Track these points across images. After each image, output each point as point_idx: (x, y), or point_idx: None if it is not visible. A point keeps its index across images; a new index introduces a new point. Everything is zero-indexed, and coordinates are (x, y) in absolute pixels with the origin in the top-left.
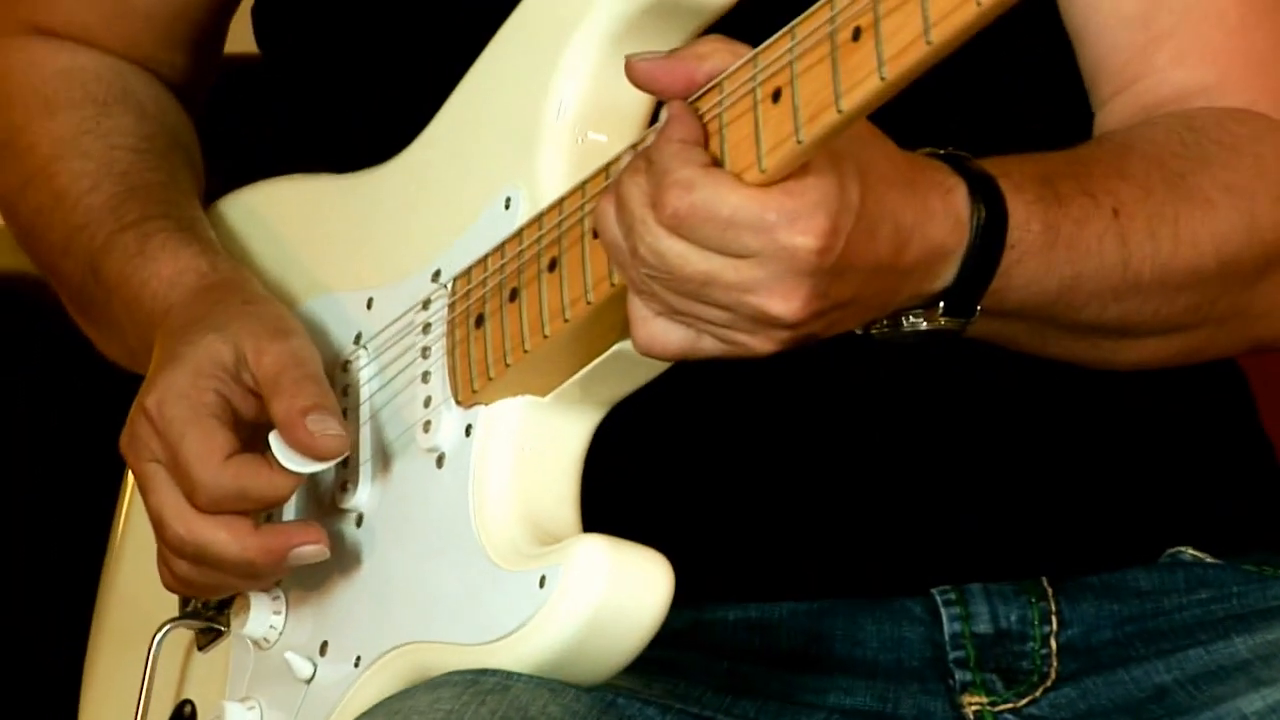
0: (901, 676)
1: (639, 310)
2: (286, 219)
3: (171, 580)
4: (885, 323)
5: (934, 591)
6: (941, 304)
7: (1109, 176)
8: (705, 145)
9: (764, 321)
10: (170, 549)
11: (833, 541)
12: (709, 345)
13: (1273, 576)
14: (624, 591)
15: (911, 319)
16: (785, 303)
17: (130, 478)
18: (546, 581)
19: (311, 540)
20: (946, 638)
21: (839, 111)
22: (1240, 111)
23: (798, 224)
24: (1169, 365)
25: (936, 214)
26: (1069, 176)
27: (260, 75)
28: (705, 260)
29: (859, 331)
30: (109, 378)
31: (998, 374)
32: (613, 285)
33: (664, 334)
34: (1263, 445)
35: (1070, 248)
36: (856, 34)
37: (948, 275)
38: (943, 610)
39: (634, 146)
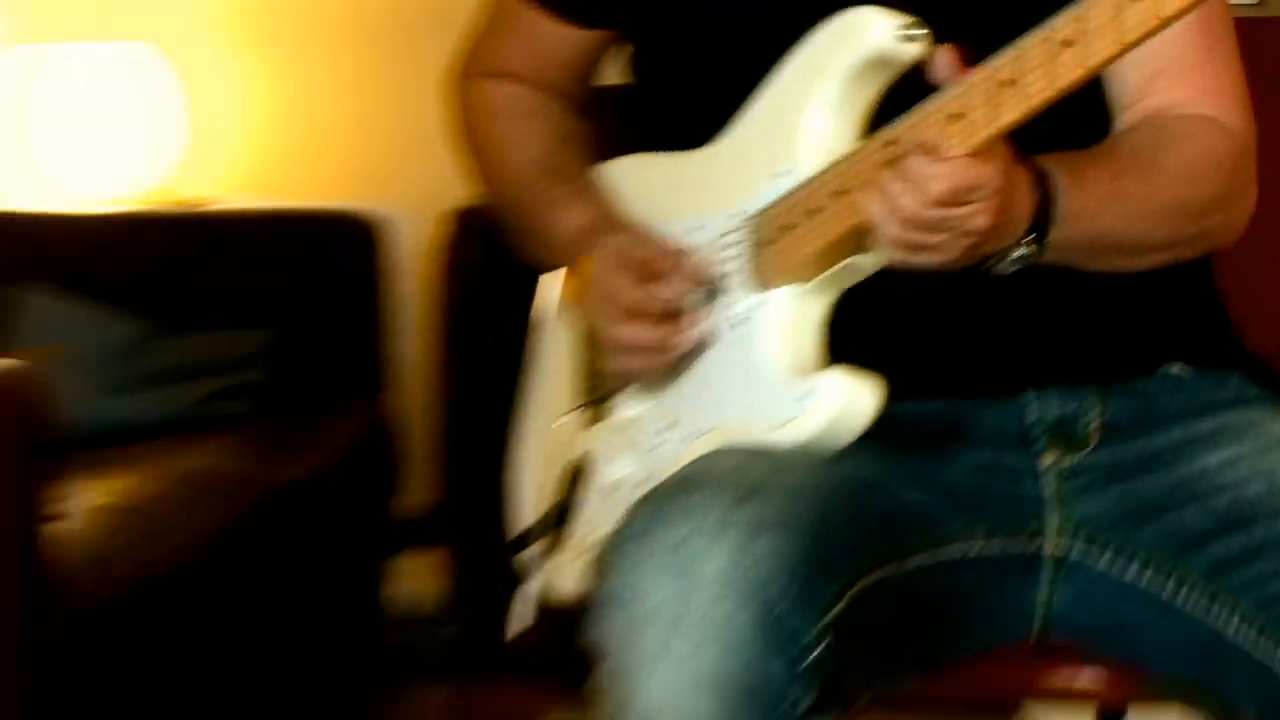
0: (1004, 444)
1: (889, 246)
2: (642, 178)
3: (611, 376)
4: (994, 259)
5: (1028, 393)
6: (1031, 236)
7: (1110, 159)
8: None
9: (969, 233)
10: (618, 353)
11: (966, 365)
12: (923, 258)
13: (1224, 382)
14: (853, 399)
15: (1010, 255)
16: (985, 219)
17: (536, 342)
18: (811, 394)
19: (685, 322)
20: (1032, 422)
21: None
22: (1200, 116)
23: (995, 182)
24: (1163, 267)
25: (1024, 189)
26: (1086, 162)
27: (621, 96)
28: (944, 210)
29: (985, 265)
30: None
31: (1068, 271)
32: (849, 225)
33: (905, 257)
34: (1215, 296)
35: (1094, 194)
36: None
37: (1023, 228)
38: (1031, 405)
39: (882, 134)
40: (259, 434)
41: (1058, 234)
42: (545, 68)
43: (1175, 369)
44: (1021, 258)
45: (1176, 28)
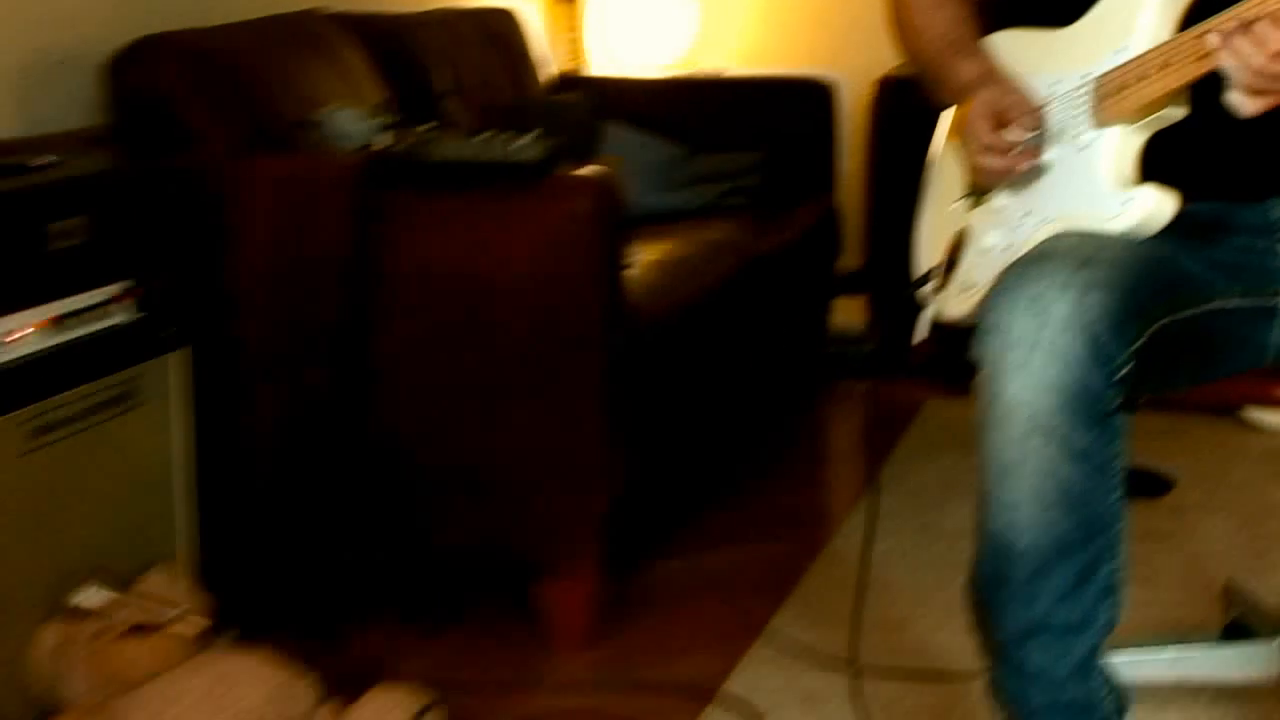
0: (1255, 233)
1: (1242, 101)
2: (1017, 45)
3: (976, 172)
4: None
5: (1270, 199)
6: None
7: None
8: None
9: None
10: (975, 169)
11: (1230, 178)
12: (1263, 101)
13: None
14: (1160, 205)
15: None
16: None
17: (933, 148)
18: (1130, 200)
19: (1028, 158)
20: (1274, 219)
21: None
22: None
23: None
24: None
25: None
26: None
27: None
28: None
29: None
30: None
31: None
32: (1169, 89)
33: (1253, 101)
34: None
35: None
36: None
37: None
38: (1273, 207)
39: (1195, 28)
40: (752, 219)
41: None
42: None
43: None
44: None
45: None
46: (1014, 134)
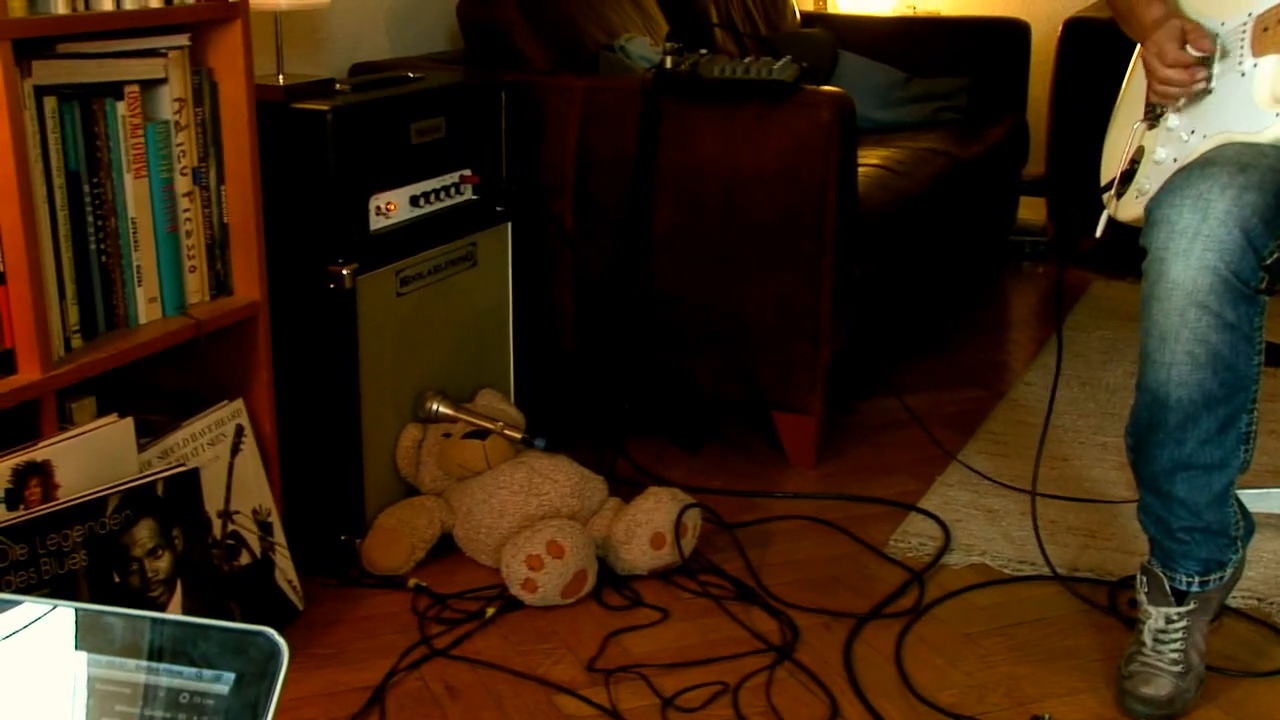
0: None
1: None
2: None
3: (1155, 93)
4: None
5: None
6: None
7: None
8: None
9: None
10: (1161, 83)
11: None
12: None
13: None
14: None
15: None
16: None
17: (1125, 84)
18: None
19: (1200, 72)
20: None
21: None
22: None
23: None
24: None
25: None
26: None
27: None
28: None
29: None
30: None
31: None
32: None
33: None
34: None
35: None
36: None
37: None
38: None
39: None
40: (959, 131)
41: None
42: None
43: None
44: None
45: None
46: (1196, 50)
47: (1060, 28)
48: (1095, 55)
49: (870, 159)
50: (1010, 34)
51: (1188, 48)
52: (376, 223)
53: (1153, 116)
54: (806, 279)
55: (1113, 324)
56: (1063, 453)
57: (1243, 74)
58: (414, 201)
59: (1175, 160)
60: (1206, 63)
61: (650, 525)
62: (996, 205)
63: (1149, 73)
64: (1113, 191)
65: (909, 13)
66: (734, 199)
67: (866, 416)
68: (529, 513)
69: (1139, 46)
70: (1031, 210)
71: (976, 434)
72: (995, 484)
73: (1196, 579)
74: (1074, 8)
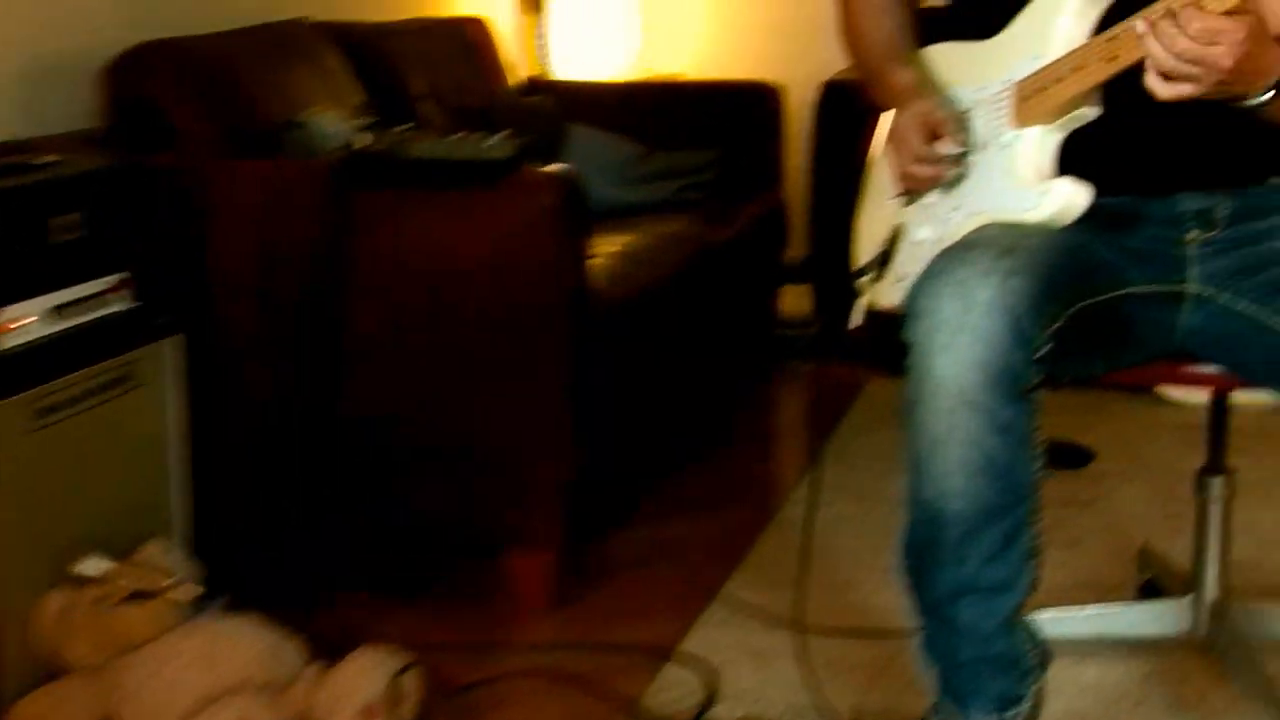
0: (1164, 225)
1: (1158, 83)
2: (945, 58)
3: (903, 180)
4: (1240, 104)
5: (1179, 194)
6: (1269, 93)
7: None
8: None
9: (1219, 69)
10: (904, 180)
11: (1141, 174)
12: (1186, 87)
13: None
14: (1075, 196)
15: (1248, 102)
16: (1229, 61)
17: (873, 147)
18: (1048, 192)
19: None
20: (1181, 211)
21: None
22: None
23: (1238, 34)
24: None
25: (1274, 53)
26: None
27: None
28: (1200, 48)
29: (1231, 104)
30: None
31: (1211, 112)
32: (1081, 89)
33: (1173, 87)
34: None
35: None
36: None
37: (1268, 82)
38: (1181, 201)
39: (1104, 34)
40: (704, 213)
41: None
42: None
43: (1276, 180)
44: (1260, 103)
45: None
46: (944, 146)
47: (818, 91)
48: (859, 122)
49: (606, 247)
50: (762, 100)
51: (939, 142)
52: (4, 342)
53: (909, 192)
54: (536, 389)
55: (892, 428)
56: (840, 579)
57: (1004, 146)
58: (53, 314)
59: (938, 241)
60: (960, 154)
61: (359, 694)
62: (756, 295)
63: (895, 159)
64: (869, 276)
65: (647, 77)
66: (446, 299)
67: (615, 548)
68: (208, 688)
69: (888, 113)
70: (796, 299)
71: (743, 562)
72: (765, 621)
73: (995, 717)
74: (833, 68)
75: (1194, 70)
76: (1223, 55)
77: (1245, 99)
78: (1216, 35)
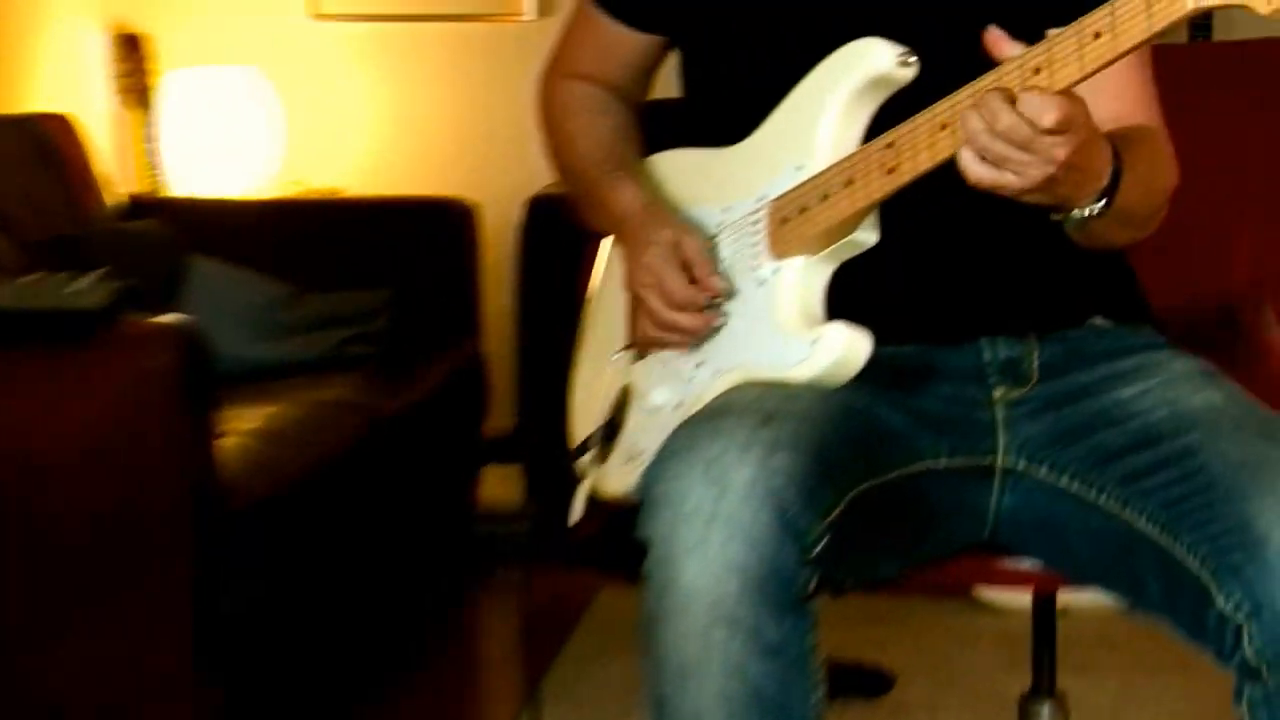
0: (965, 380)
1: (973, 163)
2: (681, 168)
3: (644, 341)
4: (1063, 215)
5: (981, 340)
6: (1102, 201)
7: (1136, 145)
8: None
9: (1050, 161)
10: (659, 329)
11: (935, 316)
12: (1007, 178)
13: (1137, 332)
14: (851, 348)
15: (1075, 213)
16: (1064, 151)
17: (590, 288)
18: (817, 341)
19: (717, 318)
20: (986, 362)
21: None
22: (1146, 126)
23: (1082, 118)
24: (1122, 246)
25: (1105, 150)
26: (1125, 144)
27: (671, 107)
28: (1030, 132)
29: (1052, 216)
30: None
31: (1017, 238)
32: (855, 210)
33: (993, 176)
34: (1131, 269)
35: (1135, 171)
36: (1097, 35)
37: (1104, 184)
38: (985, 349)
39: (880, 139)
40: (378, 372)
41: (1119, 195)
42: (612, 68)
43: (1099, 321)
44: (1090, 215)
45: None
46: (709, 286)
47: (523, 210)
48: (577, 248)
49: (242, 422)
50: (450, 222)
51: (702, 282)
52: None
53: (639, 346)
54: (150, 620)
55: (632, 652)
56: None
57: (760, 283)
58: None
59: (679, 406)
60: (728, 293)
61: None
62: (449, 481)
63: (642, 307)
64: (592, 455)
65: (296, 194)
66: (26, 500)
67: None
68: None
69: (609, 240)
70: (503, 485)
71: None
72: None
73: None
74: (541, 179)
75: (1020, 157)
76: (1059, 143)
77: (1070, 209)
78: (1066, 120)
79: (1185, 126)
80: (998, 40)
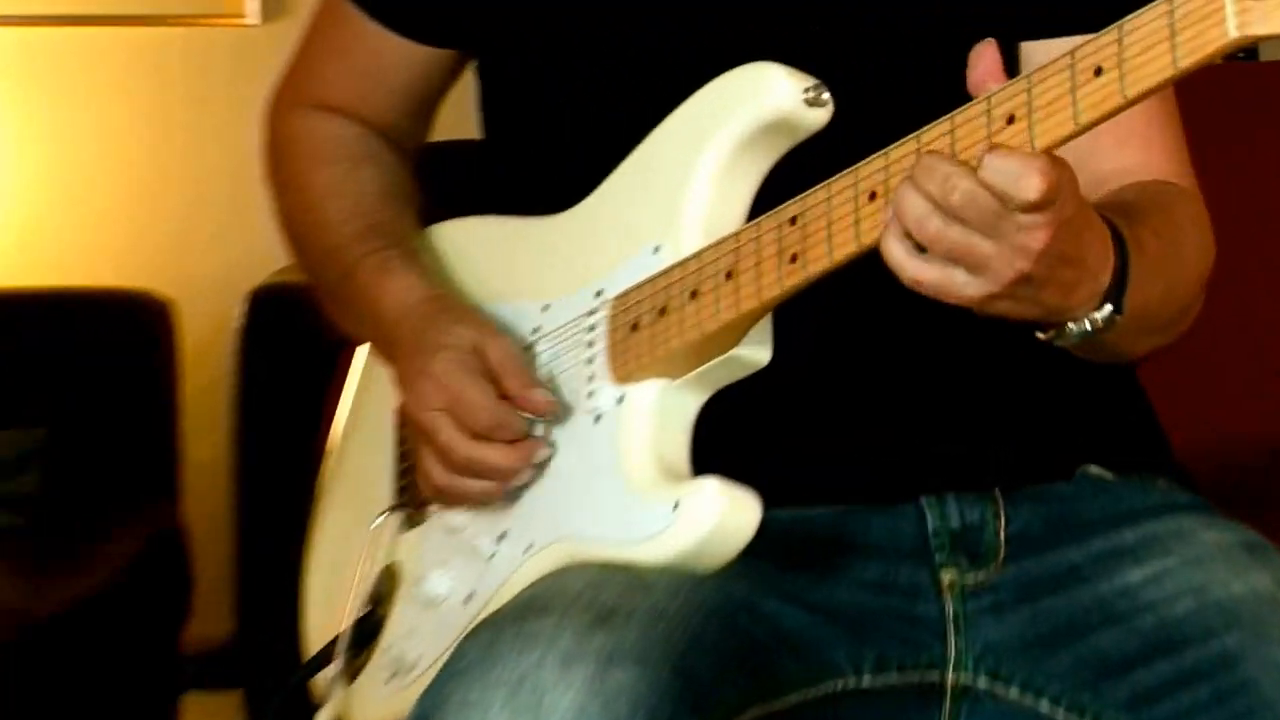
0: (899, 558)
1: (908, 257)
2: (482, 244)
3: (436, 491)
4: (1052, 332)
5: (922, 499)
6: (1107, 308)
7: (1148, 216)
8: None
9: (1024, 252)
10: (454, 469)
11: (852, 467)
12: (960, 282)
13: (1150, 488)
14: (730, 517)
15: (1073, 325)
16: (1043, 237)
17: (337, 422)
18: (679, 506)
19: (542, 447)
20: (930, 531)
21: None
22: (1167, 183)
23: (1069, 188)
24: (1142, 356)
25: (1102, 237)
26: (1131, 217)
27: (464, 152)
28: (1001, 209)
29: (1039, 335)
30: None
31: (972, 356)
32: (737, 313)
33: (929, 273)
34: (1142, 396)
35: (1148, 257)
36: (1098, 71)
37: (1104, 283)
38: (927, 513)
39: (784, 209)
40: (30, 553)
41: (1130, 298)
42: (378, 96)
43: (1094, 471)
44: (1094, 329)
45: None
46: (534, 400)
47: (243, 308)
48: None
49: None
50: (133, 326)
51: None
52: None
53: (413, 504)
54: None
55: None
56: None
57: (596, 417)
58: None
59: (470, 598)
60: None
61: None
62: (132, 715)
63: (425, 443)
64: (337, 668)
65: None
66: None
67: None
68: None
69: (367, 351)
70: (214, 713)
71: None
72: None
73: None
74: (265, 265)
75: (980, 248)
76: (1038, 225)
77: (1061, 323)
78: (1040, 191)
79: (1224, 172)
80: (989, 66)
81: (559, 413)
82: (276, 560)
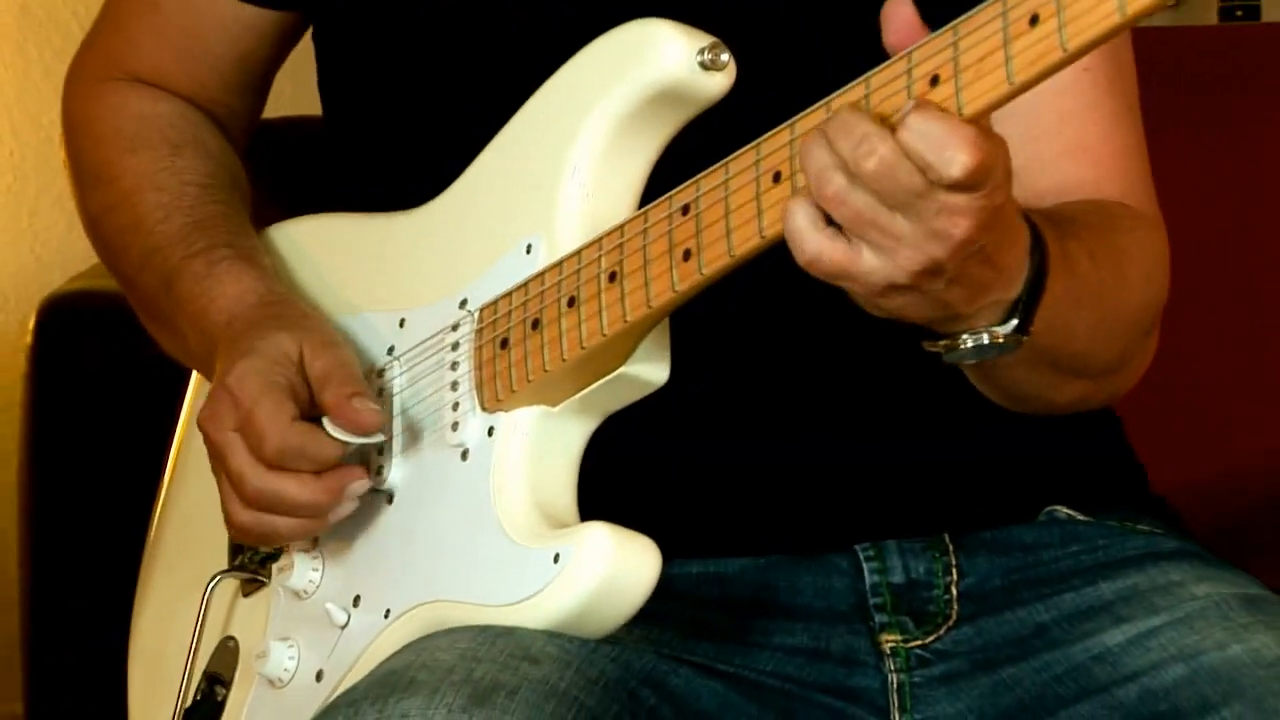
0: (832, 619)
1: (809, 227)
2: (329, 247)
3: (239, 530)
4: (945, 342)
5: (857, 548)
6: (1010, 322)
7: (1086, 234)
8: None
9: (943, 238)
10: (247, 502)
11: (774, 510)
12: (867, 261)
13: (1132, 531)
14: (623, 569)
15: (968, 337)
16: (971, 223)
17: (173, 457)
18: (560, 558)
19: (359, 477)
20: (868, 587)
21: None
22: (1119, 204)
23: (1005, 165)
24: (1068, 410)
25: (1022, 237)
26: (1065, 230)
27: (315, 132)
28: (925, 183)
29: (926, 345)
30: (162, 378)
31: (909, 386)
32: (625, 322)
33: (830, 247)
34: (1116, 424)
35: (1077, 279)
36: (1034, 20)
37: (1014, 293)
38: (864, 564)
39: (674, 195)
40: None
41: (1042, 312)
42: (201, 65)
43: (1062, 512)
44: (993, 344)
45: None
46: (341, 433)
47: (35, 319)
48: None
49: None
50: None
51: (327, 425)
52: None
53: (253, 564)
54: None
55: None
56: None
57: (463, 454)
58: None
59: (319, 675)
60: (375, 452)
61: None
62: None
63: (219, 466)
64: None
65: None
66: None
67: None
68: None
69: (195, 379)
70: None
71: None
72: None
73: None
74: (64, 268)
75: (892, 225)
76: (963, 208)
77: (955, 331)
78: (968, 164)
79: (1216, 149)
80: (907, 17)
81: (386, 432)
82: (76, 627)
